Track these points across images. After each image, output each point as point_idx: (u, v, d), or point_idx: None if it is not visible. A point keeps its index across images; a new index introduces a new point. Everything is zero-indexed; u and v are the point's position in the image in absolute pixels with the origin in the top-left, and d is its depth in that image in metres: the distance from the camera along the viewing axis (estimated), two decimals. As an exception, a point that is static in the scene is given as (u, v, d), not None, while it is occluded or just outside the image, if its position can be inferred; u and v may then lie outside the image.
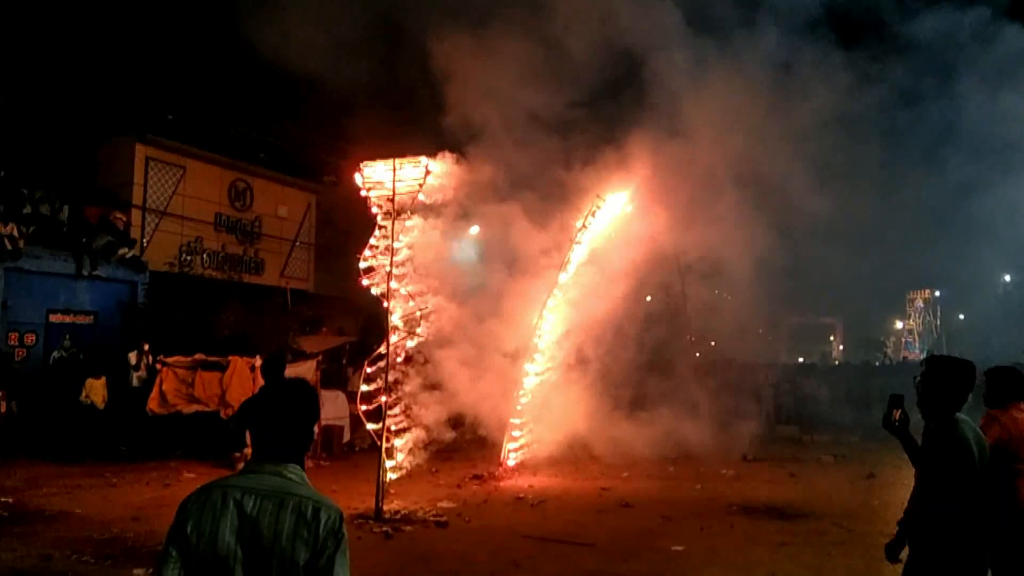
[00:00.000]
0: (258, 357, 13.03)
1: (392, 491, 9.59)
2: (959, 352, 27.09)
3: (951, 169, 19.60)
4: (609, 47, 13.33)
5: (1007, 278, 32.87)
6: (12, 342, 14.08)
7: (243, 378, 12.82)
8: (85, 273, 15.11)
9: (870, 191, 20.84)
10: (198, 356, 13.32)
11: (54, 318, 14.86)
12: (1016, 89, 16.51)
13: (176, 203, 18.51)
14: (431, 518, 8.92)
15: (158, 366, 13.14)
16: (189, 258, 18.62)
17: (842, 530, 8.66)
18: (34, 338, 14.51)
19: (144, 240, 17.34)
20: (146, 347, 13.50)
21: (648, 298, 18.43)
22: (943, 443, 3.79)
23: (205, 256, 19.09)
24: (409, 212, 9.77)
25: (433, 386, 10.90)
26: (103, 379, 12.73)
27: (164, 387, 12.97)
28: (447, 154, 10.03)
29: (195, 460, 12.33)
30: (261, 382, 12.43)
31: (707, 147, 13.17)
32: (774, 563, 7.20)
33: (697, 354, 19.48)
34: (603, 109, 13.84)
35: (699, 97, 13.29)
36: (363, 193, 9.92)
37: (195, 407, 12.91)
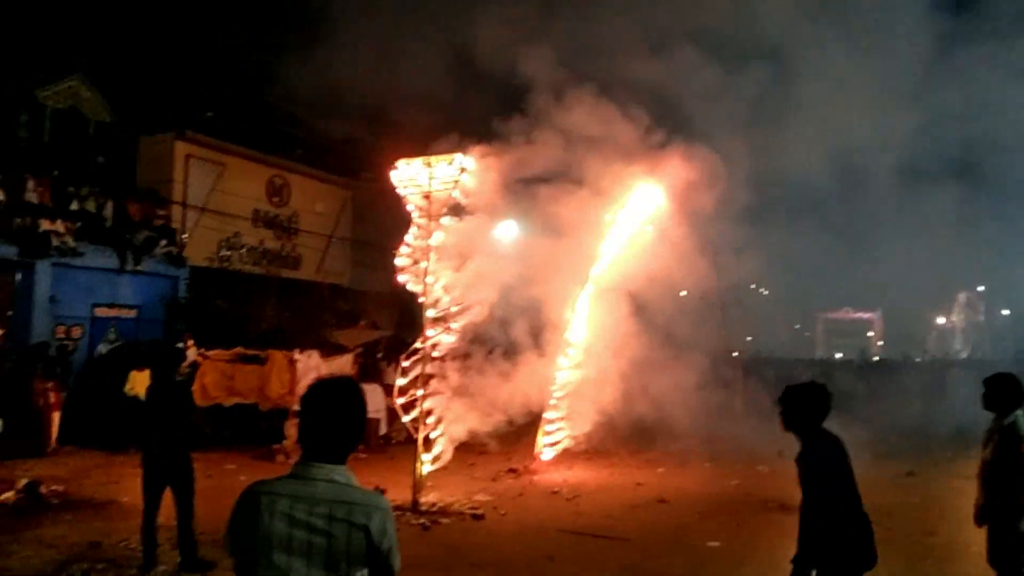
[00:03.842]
0: (296, 351, 13.26)
1: (428, 484, 9.69)
2: (1003, 348, 26.57)
3: (995, 168, 19.23)
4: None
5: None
6: (60, 335, 14.46)
7: (281, 371, 13.04)
8: (128, 268, 15.46)
9: (918, 188, 20.54)
10: (238, 350, 13.58)
11: (99, 312, 15.24)
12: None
13: (215, 199, 18.84)
14: (467, 511, 9.02)
15: (199, 359, 13.42)
16: (228, 253, 18.95)
17: (881, 528, 8.51)
18: (80, 331, 14.90)
19: (184, 236, 17.69)
20: (190, 341, 13.78)
21: (683, 293, 18.36)
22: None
23: (244, 251, 19.42)
24: (445, 209, 9.85)
25: (468, 380, 10.98)
26: (147, 371, 13.02)
27: (205, 380, 13.22)
28: (480, 150, 10.08)
29: (235, 451, 12.58)
30: (298, 375, 12.68)
31: (747, 140, 13.09)
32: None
33: (734, 353, 19.29)
34: (643, 99, 13.79)
35: (740, 90, 13.23)
36: (398, 191, 10.02)
37: (235, 399, 13.17)
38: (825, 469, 4.03)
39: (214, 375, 13.32)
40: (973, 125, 19.08)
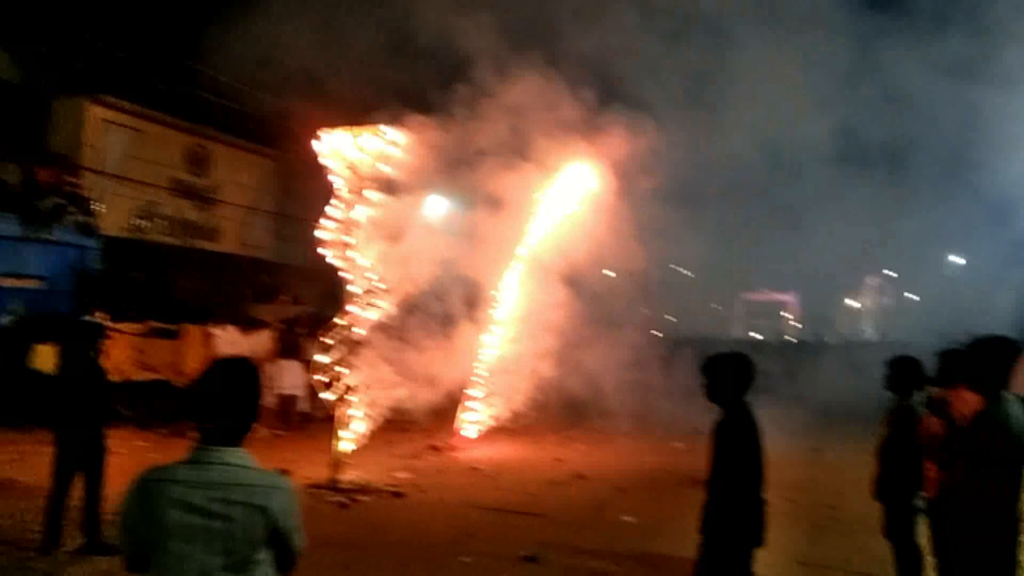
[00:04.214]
0: (213, 325, 12.91)
1: (348, 461, 9.59)
2: (908, 331, 27.87)
3: (909, 159, 20.07)
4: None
5: (957, 260, 33.75)
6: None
7: (197, 346, 12.71)
8: (34, 236, 14.72)
9: (836, 176, 21.26)
10: (150, 323, 13.14)
11: (2, 282, 14.47)
12: (961, 80, 16.83)
13: (131, 166, 18.06)
14: (387, 488, 8.98)
15: (110, 333, 12.90)
16: (144, 223, 18.24)
17: (788, 503, 8.88)
18: (-21, 302, 14.13)
19: (97, 204, 16.92)
20: (98, 314, 13.23)
21: (610, 273, 18.59)
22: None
23: (161, 221, 18.72)
24: (371, 182, 9.68)
25: (390, 357, 10.89)
26: (52, 345, 12.48)
27: (115, 354, 12.74)
28: (408, 122, 9.95)
29: (147, 428, 12.20)
30: (215, 350, 12.36)
31: (669, 125, 13.26)
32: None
33: (657, 332, 19.66)
34: (572, 81, 13.82)
35: (668, 74, 13.39)
36: (323, 162, 9.80)
37: (146, 374, 12.76)
38: (738, 443, 4.10)
39: (124, 349, 12.86)
40: (889, 117, 19.82)
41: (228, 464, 2.24)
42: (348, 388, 9.61)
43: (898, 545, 5.22)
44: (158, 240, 18.09)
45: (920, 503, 4.97)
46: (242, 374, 2.38)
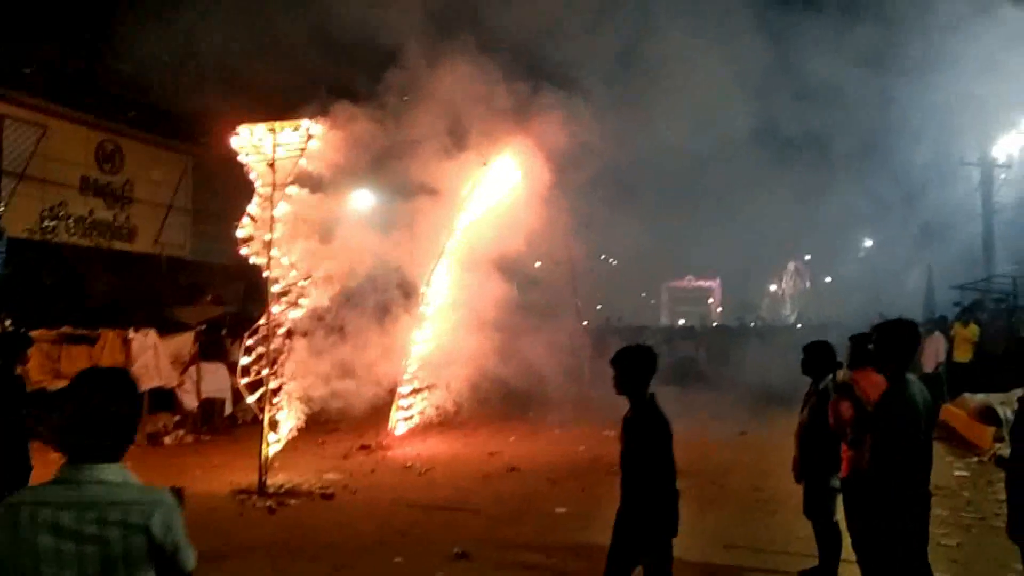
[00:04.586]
0: (131, 329, 12.45)
1: (276, 464, 9.41)
2: (824, 313, 28.91)
3: (823, 148, 20.80)
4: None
5: (868, 243, 35.13)
6: None
7: (114, 351, 12.20)
8: (-68, 240, 13.93)
9: (755, 165, 21.87)
10: (65, 329, 12.58)
11: None
12: (871, 71, 17.53)
13: (36, 165, 17.21)
14: (316, 491, 8.84)
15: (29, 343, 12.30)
16: (52, 224, 17.42)
17: (715, 486, 9.13)
18: None
19: (0, 205, 16.09)
20: (7, 321, 12.62)
21: (537, 264, 18.71)
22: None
23: (71, 222, 17.91)
24: (290, 178, 9.46)
25: (318, 356, 10.71)
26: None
27: (27, 363, 12.16)
28: (330, 116, 9.77)
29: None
30: (133, 355, 11.94)
31: (593, 115, 13.38)
32: (651, 520, 7.52)
33: (584, 322, 19.89)
34: (497, 72, 13.80)
35: (587, 63, 13.50)
36: (241, 158, 9.54)
37: (62, 383, 12.20)
38: (649, 433, 4.16)
39: (37, 357, 12.25)
40: (805, 106, 20.46)
41: (103, 482, 2.11)
42: (274, 390, 9.40)
43: (818, 524, 5.40)
44: (68, 241, 17.32)
45: (836, 483, 5.15)
46: (118, 383, 2.24)
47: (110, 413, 2.16)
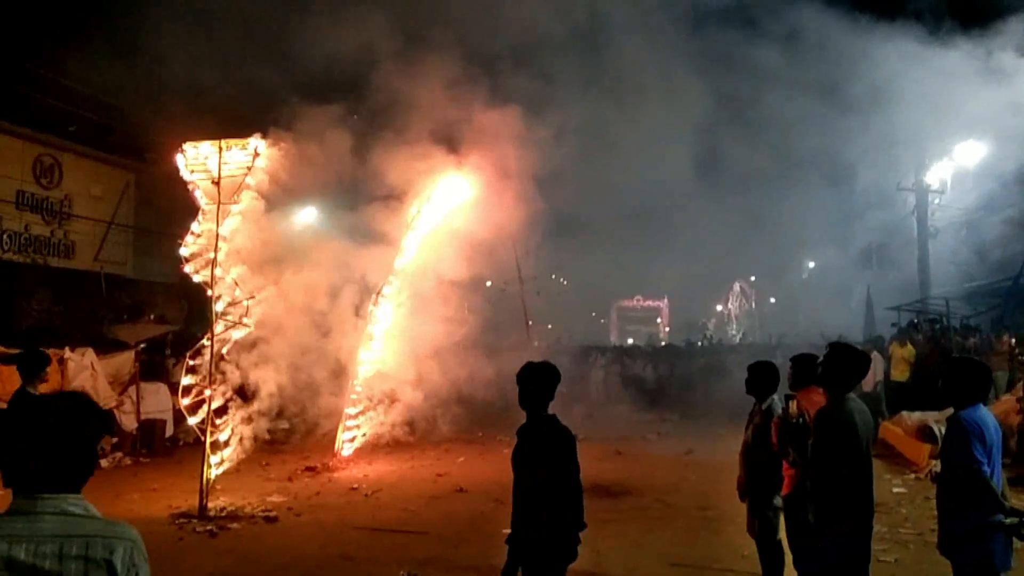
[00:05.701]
0: (67, 349, 12.05)
1: (218, 487, 9.17)
2: (768, 333, 29.51)
3: (766, 166, 21.38)
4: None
5: (811, 264, 36.03)
6: None
7: (51, 372, 11.78)
8: None
9: (698, 186, 22.35)
10: (-3, 349, 12.12)
11: None
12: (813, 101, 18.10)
13: (-31, 179, 16.67)
14: (259, 514, 8.63)
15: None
16: (-16, 239, 16.85)
17: (662, 505, 9.20)
18: None
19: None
20: (-68, 339, 12.11)
21: (488, 283, 18.74)
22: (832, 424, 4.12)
23: (5, 237, 17.33)
24: (235, 196, 9.32)
25: (261, 378, 10.53)
26: None
27: (46, 381, 11.68)
28: (274, 135, 9.66)
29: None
30: (69, 376, 11.56)
31: (536, 134, 13.50)
32: (599, 540, 7.49)
33: (535, 342, 19.93)
34: (437, 91, 13.85)
35: (527, 80, 13.68)
36: (185, 175, 9.36)
37: (-8, 405, 11.75)
38: (541, 451, 4.10)
39: (-34, 377, 11.79)
40: (749, 134, 21.04)
41: (64, 513, 1.99)
42: (216, 410, 9.19)
43: (761, 542, 5.47)
44: (2, 258, 16.74)
45: (779, 501, 5.24)
46: (77, 409, 2.12)
47: (72, 440, 2.05)
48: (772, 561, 5.40)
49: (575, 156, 15.10)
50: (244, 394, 10.50)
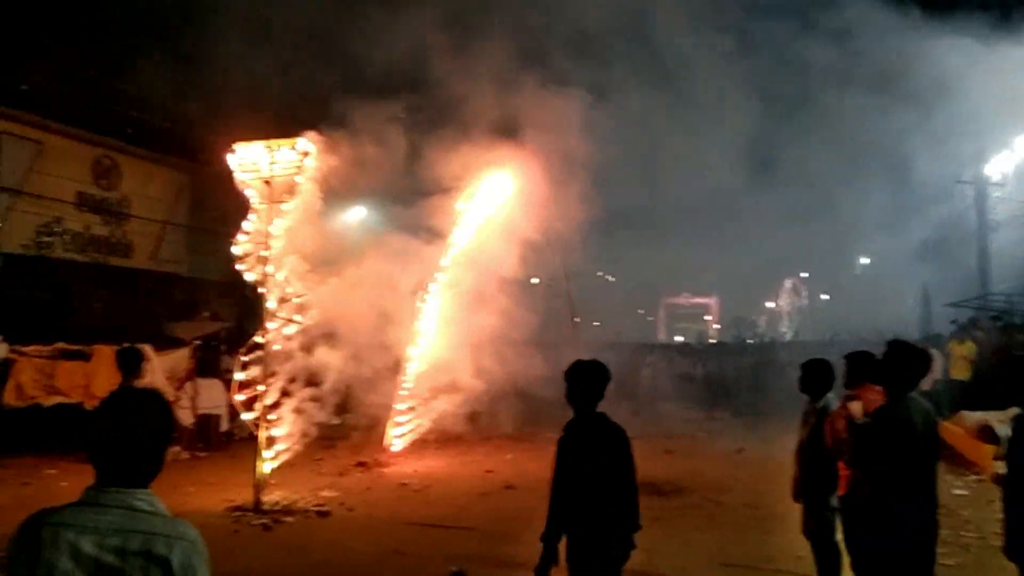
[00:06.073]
0: (124, 344, 12.38)
1: (272, 481, 9.34)
2: (821, 330, 28.93)
3: (820, 160, 20.97)
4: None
5: (865, 260, 35.20)
6: None
7: (109, 368, 12.11)
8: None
9: (748, 178, 22.01)
10: (59, 345, 12.53)
11: None
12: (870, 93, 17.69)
13: (32, 180, 17.23)
14: (312, 508, 8.77)
15: (13, 356, 12.27)
16: (48, 240, 17.41)
17: (713, 504, 9.10)
18: None
19: (-4, 221, 16.08)
20: (-1, 336, 12.58)
21: (534, 281, 18.71)
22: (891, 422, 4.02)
23: (67, 237, 17.90)
24: (286, 195, 9.47)
25: (314, 373, 10.68)
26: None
27: (21, 378, 12.12)
28: (324, 135, 9.78)
29: (57, 455, 11.62)
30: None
31: (587, 128, 13.41)
32: (649, 539, 7.41)
33: (581, 339, 19.86)
34: (486, 88, 13.86)
35: (579, 75, 13.61)
36: (238, 175, 9.55)
37: (56, 399, 12.15)
38: (583, 450, 4.04)
39: (31, 373, 12.22)
40: (803, 127, 20.64)
41: (130, 508, 2.01)
42: (271, 406, 9.36)
43: (818, 543, 5.36)
44: (64, 257, 17.29)
45: (835, 502, 5.12)
46: (151, 405, 2.16)
47: (142, 437, 2.08)
48: (829, 563, 5.29)
49: (625, 150, 14.97)
50: (313, 382, 10.67)
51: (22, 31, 17.39)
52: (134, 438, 2.07)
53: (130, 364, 6.91)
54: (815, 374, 5.39)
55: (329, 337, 11.11)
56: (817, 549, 5.37)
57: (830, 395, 5.32)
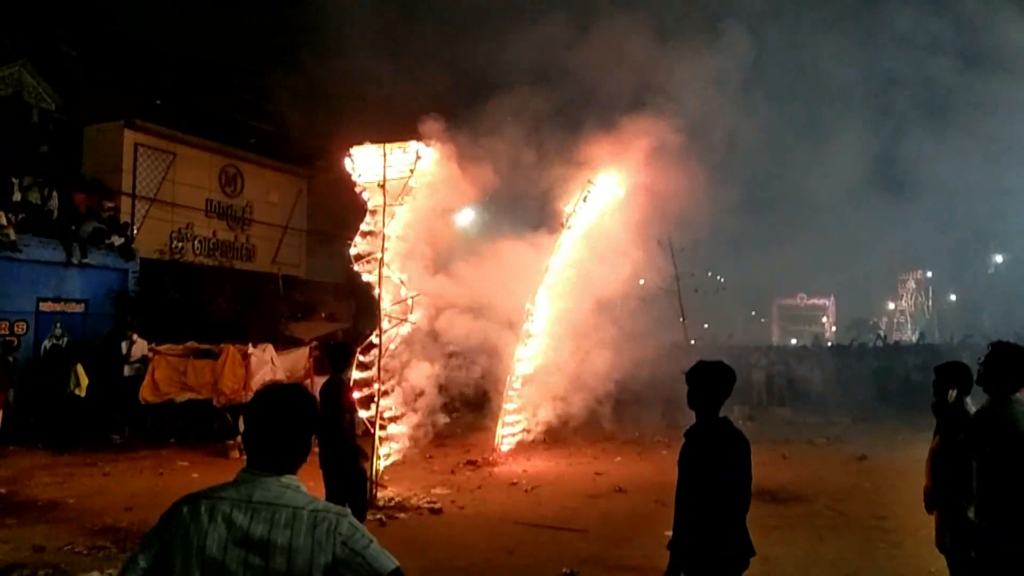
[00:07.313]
0: (250, 345, 13.01)
1: (386, 478, 9.59)
2: (950, 332, 27.28)
3: (947, 155, 19.78)
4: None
5: (998, 258, 32.98)
6: (2, 331, 13.97)
7: (235, 366, 12.79)
8: (75, 261, 15.01)
9: (865, 176, 21.03)
10: (190, 344, 13.30)
11: (45, 307, 14.75)
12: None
13: (166, 189, 18.41)
14: (425, 505, 8.93)
15: (150, 354, 13.11)
16: (180, 245, 18.55)
17: (834, 513, 8.71)
18: (24, 327, 14.41)
19: (134, 227, 17.23)
20: (134, 336, 13.46)
21: (642, 281, 18.46)
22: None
23: (196, 242, 19.01)
24: (400, 198, 9.71)
25: (427, 372, 10.89)
26: (79, 366, 12.68)
27: (156, 375, 12.94)
28: (436, 140, 9.97)
29: (188, 448, 12.33)
30: (252, 369, 12.47)
31: (698, 130, 13.15)
32: (767, 547, 7.18)
33: (692, 341, 19.47)
34: (595, 92, 13.80)
35: (690, 79, 13.31)
36: (353, 179, 9.86)
37: (188, 395, 12.90)
38: (714, 456, 3.90)
39: (165, 370, 13.02)
40: (926, 121, 19.58)
41: (282, 487, 2.15)
42: (385, 405, 9.61)
43: (953, 559, 5.04)
44: (194, 261, 18.35)
45: (973, 514, 4.80)
46: (299, 399, 2.28)
47: (287, 430, 2.21)
48: (965, 579, 4.96)
49: (740, 151, 14.57)
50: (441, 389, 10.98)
51: (155, 50, 18.58)
52: (277, 433, 2.20)
53: (340, 359, 7.46)
54: (950, 378, 5.07)
55: (440, 337, 11.31)
56: (953, 565, 5.05)
57: (968, 399, 5.00)
